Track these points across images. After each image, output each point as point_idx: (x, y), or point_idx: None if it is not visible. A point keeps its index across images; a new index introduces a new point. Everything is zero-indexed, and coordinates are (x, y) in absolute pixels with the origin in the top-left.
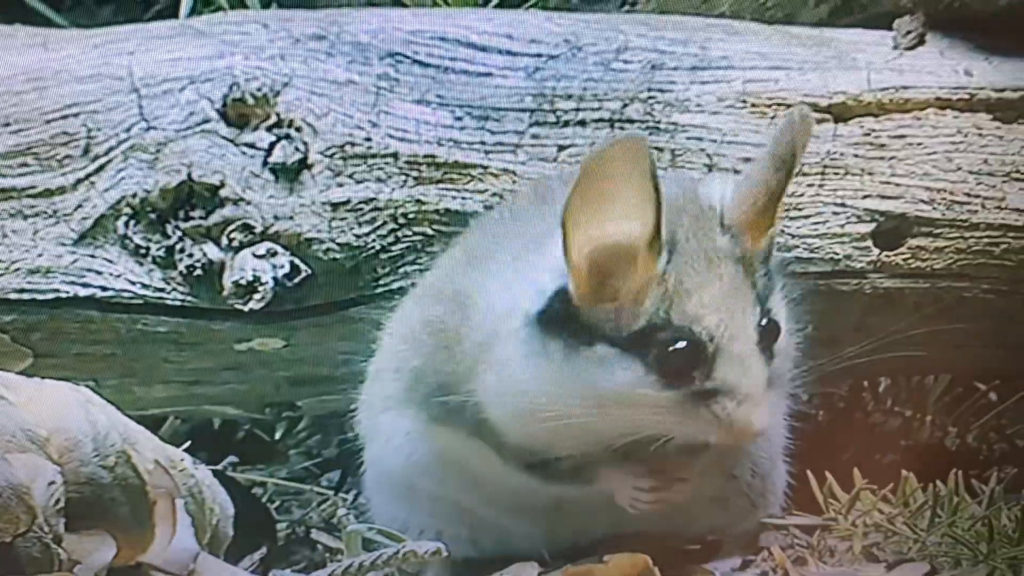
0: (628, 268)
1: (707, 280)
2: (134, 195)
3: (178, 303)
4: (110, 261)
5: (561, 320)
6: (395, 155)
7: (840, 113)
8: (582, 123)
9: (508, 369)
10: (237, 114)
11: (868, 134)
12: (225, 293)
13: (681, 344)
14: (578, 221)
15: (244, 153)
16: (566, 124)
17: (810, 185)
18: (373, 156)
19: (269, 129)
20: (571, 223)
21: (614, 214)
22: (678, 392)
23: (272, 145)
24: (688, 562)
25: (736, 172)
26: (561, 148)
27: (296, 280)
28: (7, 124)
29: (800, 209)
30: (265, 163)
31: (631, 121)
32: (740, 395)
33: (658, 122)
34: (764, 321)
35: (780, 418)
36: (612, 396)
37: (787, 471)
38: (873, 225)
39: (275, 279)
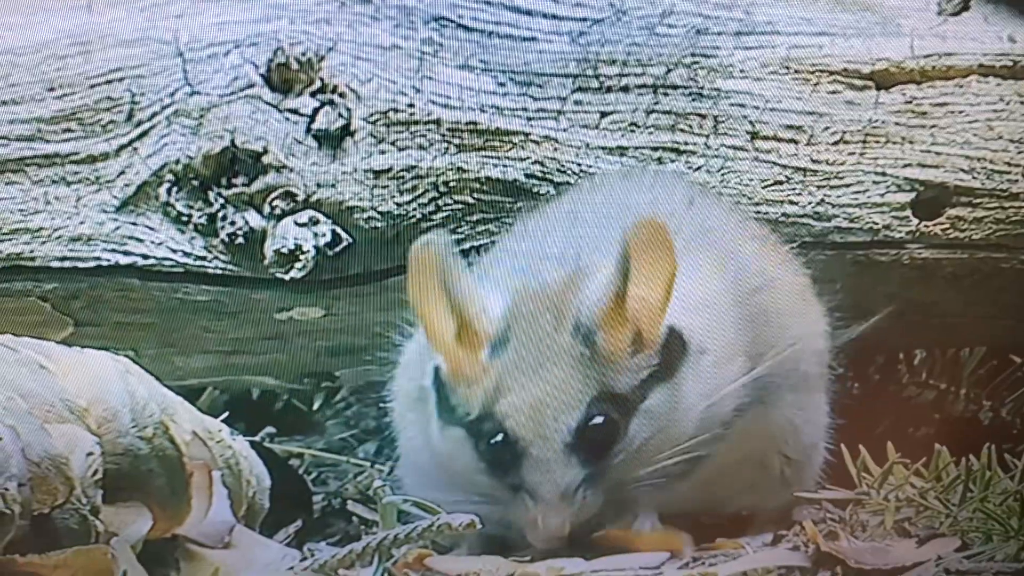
0: (461, 360)
1: (528, 379)
2: (177, 161)
3: (219, 272)
4: (152, 229)
5: (438, 396)
6: (437, 122)
7: (882, 80)
8: (625, 89)
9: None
10: (281, 79)
11: (910, 102)
12: (266, 261)
13: (498, 437)
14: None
15: (287, 119)
16: (609, 90)
17: (851, 154)
18: (415, 123)
19: (313, 95)
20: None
21: (426, 313)
22: (500, 483)
23: (315, 111)
24: (719, 536)
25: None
26: (604, 115)
27: (337, 249)
28: (51, 89)
29: (841, 178)
30: (308, 129)
31: (675, 87)
32: (540, 497)
33: (701, 88)
34: (595, 421)
35: (821, 408)
36: (459, 476)
37: (825, 447)
38: (913, 195)
39: (316, 248)
